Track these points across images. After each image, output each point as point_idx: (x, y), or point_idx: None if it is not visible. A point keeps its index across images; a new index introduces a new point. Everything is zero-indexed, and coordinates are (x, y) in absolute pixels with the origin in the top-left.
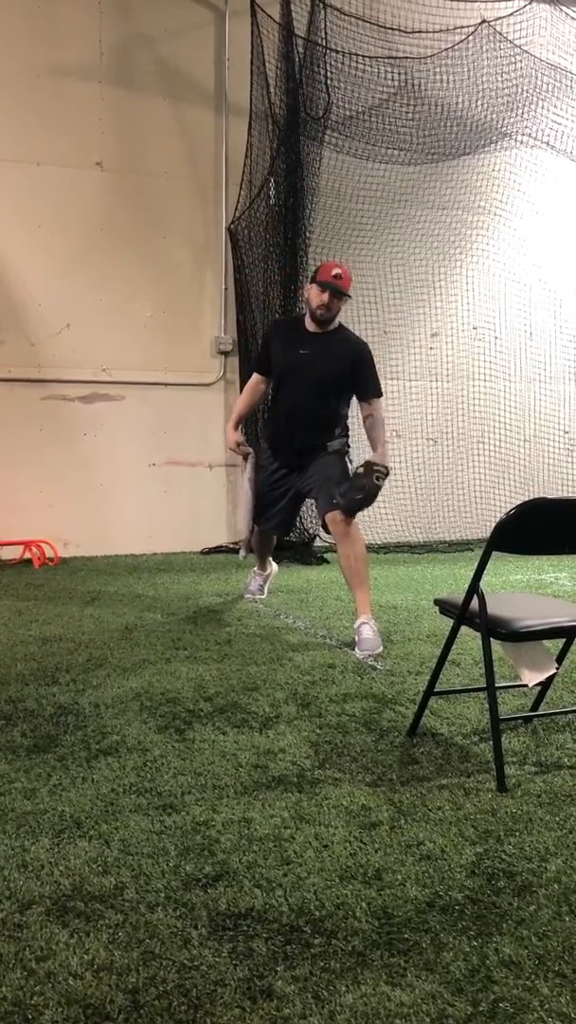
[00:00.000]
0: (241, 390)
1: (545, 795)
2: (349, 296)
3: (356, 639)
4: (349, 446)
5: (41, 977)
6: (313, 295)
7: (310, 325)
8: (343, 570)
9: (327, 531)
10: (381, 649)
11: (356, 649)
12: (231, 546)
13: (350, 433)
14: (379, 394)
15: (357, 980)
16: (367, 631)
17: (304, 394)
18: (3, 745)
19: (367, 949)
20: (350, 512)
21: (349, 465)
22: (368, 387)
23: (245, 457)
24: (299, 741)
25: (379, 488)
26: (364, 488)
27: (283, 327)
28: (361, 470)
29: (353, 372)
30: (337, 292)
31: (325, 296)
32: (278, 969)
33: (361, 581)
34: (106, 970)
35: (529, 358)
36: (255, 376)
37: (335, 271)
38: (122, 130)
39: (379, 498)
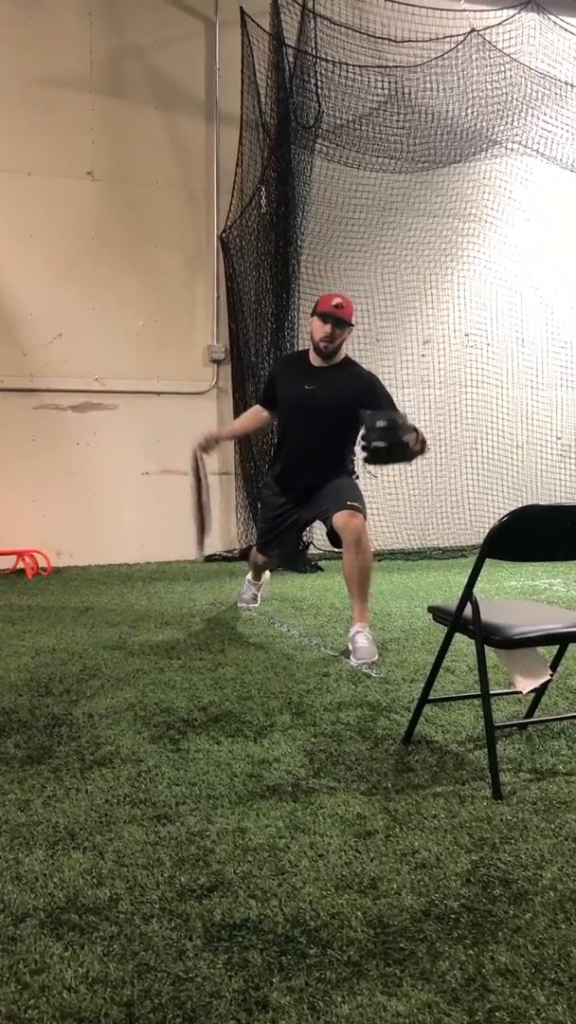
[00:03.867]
0: (234, 397)
1: (540, 802)
2: (352, 325)
3: (351, 647)
4: (357, 476)
5: (35, 990)
6: (316, 328)
7: (315, 360)
8: (347, 578)
9: (334, 544)
10: (376, 657)
11: (351, 657)
12: (225, 554)
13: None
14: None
15: (353, 990)
16: (362, 639)
17: (312, 430)
18: None
19: (363, 959)
20: (371, 458)
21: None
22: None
23: (197, 460)
24: (294, 750)
25: (406, 446)
26: (392, 438)
27: (288, 363)
28: (387, 423)
29: (371, 404)
30: (339, 321)
31: (328, 327)
32: (273, 980)
33: (363, 591)
34: (101, 983)
35: (521, 364)
36: (259, 406)
37: (335, 301)
38: (113, 140)
39: (371, 504)
